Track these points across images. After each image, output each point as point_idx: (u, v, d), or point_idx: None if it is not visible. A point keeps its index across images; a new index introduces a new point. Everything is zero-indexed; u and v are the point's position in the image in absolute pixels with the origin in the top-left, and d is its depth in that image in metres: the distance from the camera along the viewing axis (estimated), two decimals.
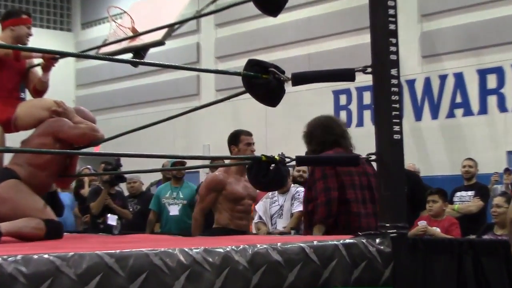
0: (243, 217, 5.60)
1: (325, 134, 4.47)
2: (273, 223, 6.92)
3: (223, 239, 3.45)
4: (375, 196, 4.13)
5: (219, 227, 5.47)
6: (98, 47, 5.23)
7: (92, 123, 4.25)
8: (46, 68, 4.49)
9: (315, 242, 2.74)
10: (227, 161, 6.35)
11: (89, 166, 9.81)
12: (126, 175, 8.67)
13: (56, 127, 4.07)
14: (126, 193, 9.05)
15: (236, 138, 5.54)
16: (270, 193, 6.91)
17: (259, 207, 7.04)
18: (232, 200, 5.50)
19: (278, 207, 6.85)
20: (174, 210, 8.31)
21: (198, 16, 5.74)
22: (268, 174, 3.07)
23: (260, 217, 7.05)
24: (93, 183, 9.43)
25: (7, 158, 4.27)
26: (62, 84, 15.60)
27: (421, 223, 6.76)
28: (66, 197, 9.47)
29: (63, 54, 4.67)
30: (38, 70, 4.56)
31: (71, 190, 9.30)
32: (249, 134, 5.59)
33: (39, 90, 4.55)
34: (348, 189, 4.31)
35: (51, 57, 4.40)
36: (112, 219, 8.19)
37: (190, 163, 9.08)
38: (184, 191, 8.37)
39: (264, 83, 3.19)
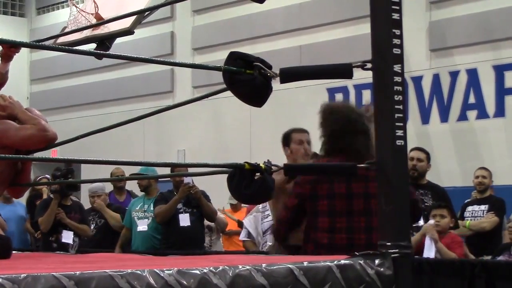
0: None
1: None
2: (264, 241, 6.78)
3: (199, 259, 3.45)
4: (372, 206, 4.14)
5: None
6: (56, 36, 5.23)
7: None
8: (6, 57, 4.46)
9: (305, 263, 2.75)
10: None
11: (48, 176, 9.75)
12: (91, 187, 8.61)
13: (0, 132, 4.01)
14: (88, 207, 8.95)
15: (287, 137, 5.56)
16: (261, 206, 6.75)
17: (248, 223, 6.93)
18: None
19: (272, 222, 6.63)
20: (142, 225, 8.26)
21: (172, 1, 5.74)
22: (252, 185, 3.05)
23: (248, 234, 6.93)
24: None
25: None
26: (14, 78, 15.50)
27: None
28: (21, 207, 9.44)
29: (14, 44, 4.62)
30: None
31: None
32: (302, 131, 5.59)
33: None
34: (320, 199, 4.30)
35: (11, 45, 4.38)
36: (67, 237, 7.94)
37: (162, 171, 9.08)
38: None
39: (248, 79, 3.20)
